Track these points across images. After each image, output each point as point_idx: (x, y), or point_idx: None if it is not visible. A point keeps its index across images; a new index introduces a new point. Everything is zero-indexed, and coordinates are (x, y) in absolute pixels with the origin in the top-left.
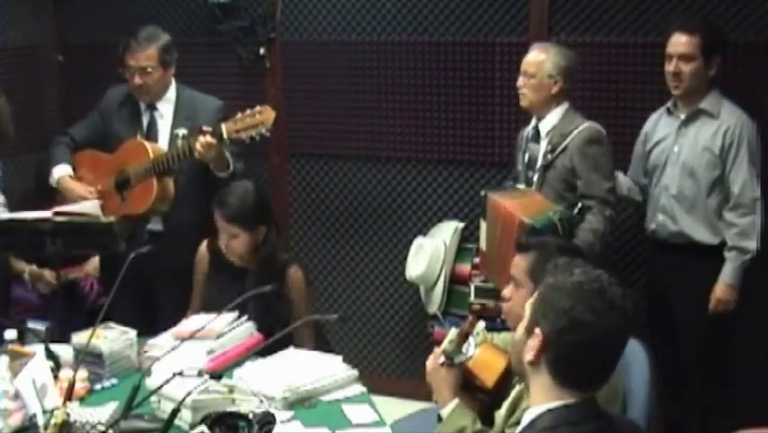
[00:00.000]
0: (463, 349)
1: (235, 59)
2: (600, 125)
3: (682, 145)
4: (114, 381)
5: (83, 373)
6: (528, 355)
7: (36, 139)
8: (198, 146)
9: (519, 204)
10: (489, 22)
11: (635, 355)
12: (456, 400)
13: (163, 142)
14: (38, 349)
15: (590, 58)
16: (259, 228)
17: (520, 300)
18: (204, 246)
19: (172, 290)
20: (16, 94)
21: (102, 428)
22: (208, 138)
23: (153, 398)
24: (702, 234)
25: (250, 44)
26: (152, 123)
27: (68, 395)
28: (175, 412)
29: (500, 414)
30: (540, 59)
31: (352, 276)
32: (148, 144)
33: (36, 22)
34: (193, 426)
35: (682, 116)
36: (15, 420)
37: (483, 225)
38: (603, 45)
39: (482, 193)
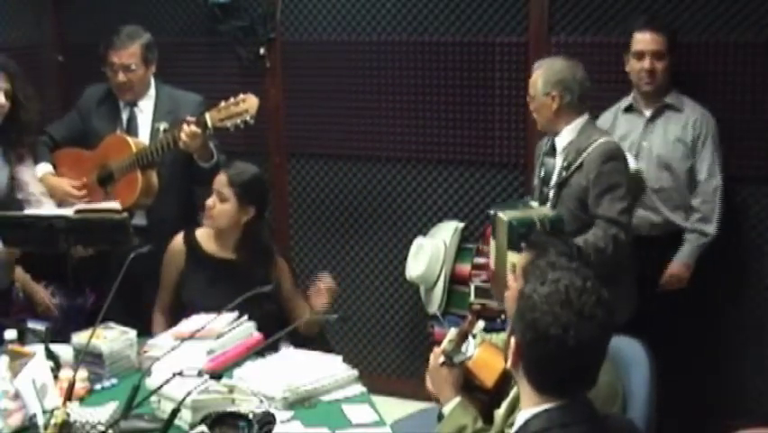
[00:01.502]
0: (463, 349)
1: (235, 59)
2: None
3: (652, 140)
4: (114, 381)
5: (83, 373)
6: (509, 361)
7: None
8: (183, 136)
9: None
10: (489, 22)
11: (635, 355)
12: (458, 399)
13: (143, 137)
14: (38, 349)
15: (590, 58)
16: (248, 207)
17: (513, 293)
18: (179, 239)
19: (157, 284)
20: None
21: (102, 428)
22: (193, 127)
23: (153, 398)
24: (681, 220)
25: (250, 44)
26: (132, 118)
27: (68, 395)
28: (175, 412)
29: (499, 413)
30: (534, 79)
31: (352, 276)
32: (130, 138)
33: (36, 22)
34: (193, 426)
35: (647, 113)
36: (15, 420)
37: (493, 245)
38: (603, 45)
39: (491, 212)
